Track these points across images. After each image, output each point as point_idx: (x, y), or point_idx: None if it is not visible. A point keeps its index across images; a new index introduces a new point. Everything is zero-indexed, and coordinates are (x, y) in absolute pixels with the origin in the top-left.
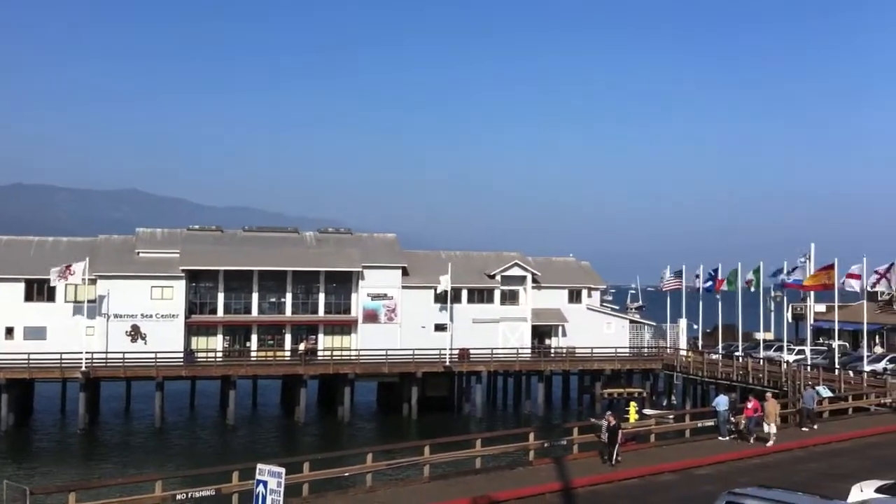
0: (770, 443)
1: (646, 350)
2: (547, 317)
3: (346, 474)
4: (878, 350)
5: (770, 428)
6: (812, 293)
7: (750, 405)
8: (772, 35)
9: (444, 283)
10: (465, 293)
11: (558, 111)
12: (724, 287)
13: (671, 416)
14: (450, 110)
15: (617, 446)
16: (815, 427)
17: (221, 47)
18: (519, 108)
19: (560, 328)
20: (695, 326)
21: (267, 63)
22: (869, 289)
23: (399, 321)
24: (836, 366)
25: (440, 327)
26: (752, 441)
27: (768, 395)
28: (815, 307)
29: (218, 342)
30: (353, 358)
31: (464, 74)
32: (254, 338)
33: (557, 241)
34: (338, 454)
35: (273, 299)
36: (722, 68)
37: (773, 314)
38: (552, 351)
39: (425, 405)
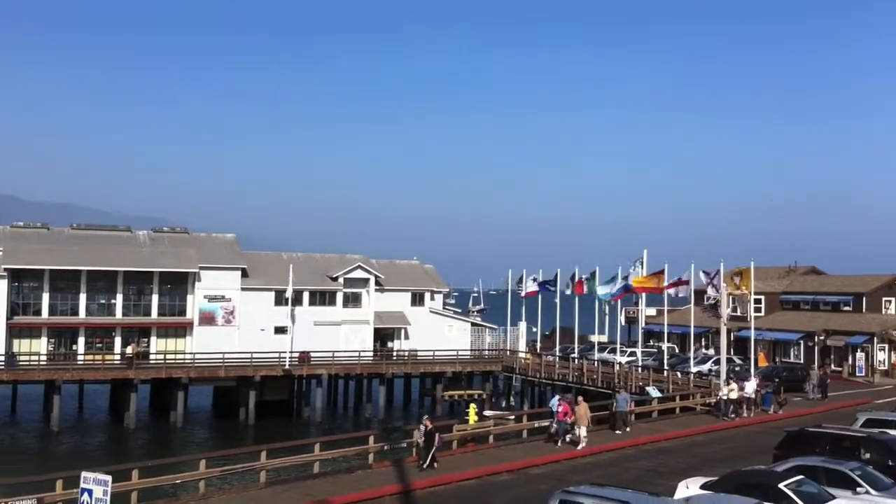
0: (581, 445)
1: (486, 352)
2: (390, 319)
3: (178, 481)
4: (709, 352)
5: (580, 431)
6: (644, 297)
7: (560, 409)
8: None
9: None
10: (306, 295)
11: (399, 114)
12: (566, 291)
13: (511, 417)
14: (288, 110)
15: (433, 450)
16: (628, 430)
17: (49, 35)
18: (356, 109)
19: (403, 331)
20: (534, 329)
21: (99, 54)
22: (713, 295)
23: (237, 323)
24: (665, 367)
25: (280, 330)
26: (559, 445)
27: (580, 398)
28: (646, 311)
29: (42, 345)
30: (187, 361)
31: (301, 74)
32: (81, 340)
33: (401, 244)
34: (169, 461)
35: (103, 300)
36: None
37: (607, 317)
38: (394, 354)
39: (264, 409)
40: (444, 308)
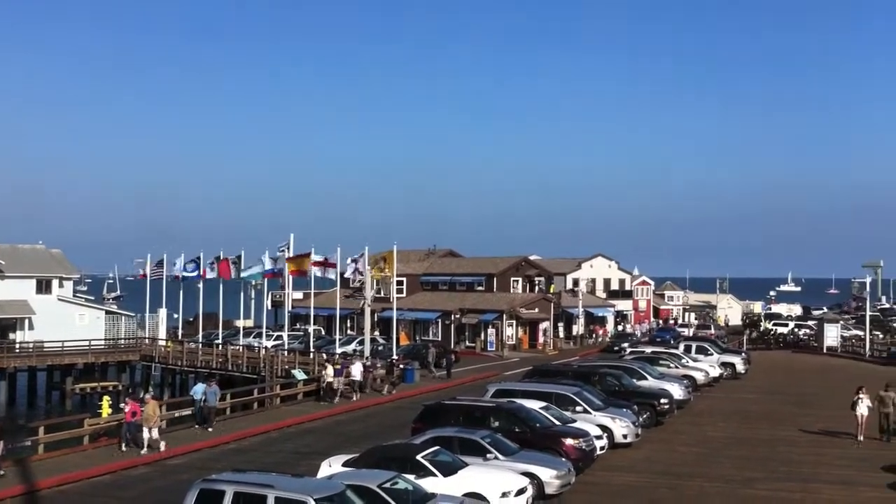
0: (149, 450)
1: (123, 341)
2: (11, 309)
3: None
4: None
5: (151, 433)
6: (290, 281)
7: (127, 408)
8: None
9: None
10: None
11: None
12: (210, 275)
13: None
14: None
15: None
16: (211, 430)
17: None
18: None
19: (26, 321)
20: (175, 316)
21: None
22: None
23: None
24: (311, 349)
25: None
26: (124, 450)
27: (147, 396)
28: (293, 294)
29: None
30: None
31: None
32: None
33: (26, 227)
34: None
35: None
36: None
37: (253, 301)
38: (17, 346)
39: None
40: (74, 296)
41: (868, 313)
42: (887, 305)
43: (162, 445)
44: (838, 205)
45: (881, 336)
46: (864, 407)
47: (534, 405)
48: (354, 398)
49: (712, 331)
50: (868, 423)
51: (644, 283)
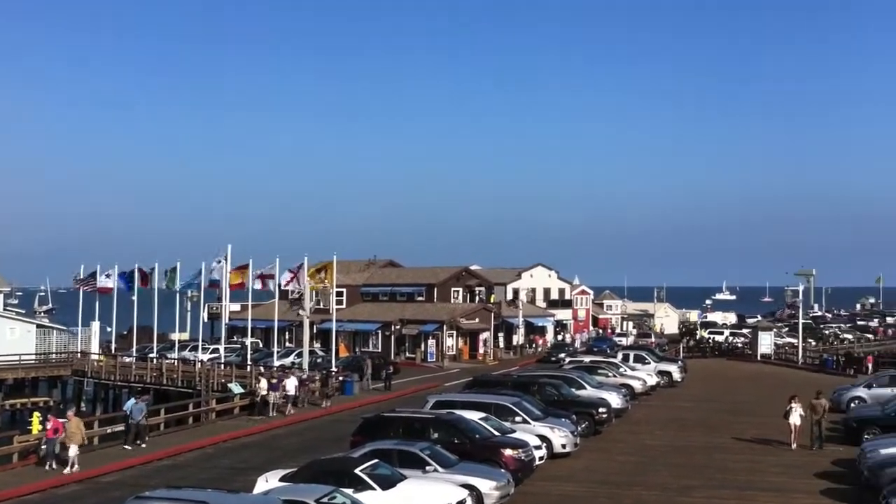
0: (73, 469)
1: (54, 356)
2: None
3: None
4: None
5: (72, 450)
6: (228, 292)
7: (49, 425)
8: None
9: None
10: None
11: None
12: (150, 285)
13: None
14: None
15: None
16: (144, 445)
17: None
18: None
19: None
20: (108, 329)
21: None
22: (283, 288)
23: None
24: (249, 362)
25: None
26: (49, 468)
27: (70, 412)
28: (230, 306)
29: None
30: None
31: None
32: None
33: None
34: None
35: None
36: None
37: (189, 314)
38: None
39: None
40: (4, 309)
41: (801, 321)
42: (820, 313)
43: (68, 469)
44: (772, 213)
45: (814, 343)
46: (796, 416)
47: (473, 416)
48: (289, 412)
49: (653, 339)
50: (801, 431)
51: (583, 292)
